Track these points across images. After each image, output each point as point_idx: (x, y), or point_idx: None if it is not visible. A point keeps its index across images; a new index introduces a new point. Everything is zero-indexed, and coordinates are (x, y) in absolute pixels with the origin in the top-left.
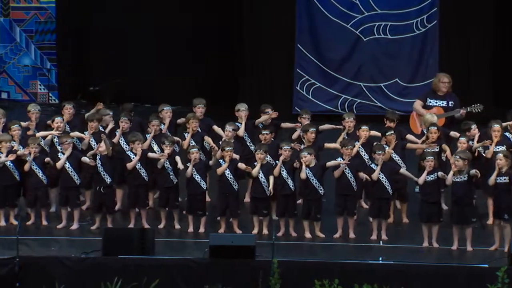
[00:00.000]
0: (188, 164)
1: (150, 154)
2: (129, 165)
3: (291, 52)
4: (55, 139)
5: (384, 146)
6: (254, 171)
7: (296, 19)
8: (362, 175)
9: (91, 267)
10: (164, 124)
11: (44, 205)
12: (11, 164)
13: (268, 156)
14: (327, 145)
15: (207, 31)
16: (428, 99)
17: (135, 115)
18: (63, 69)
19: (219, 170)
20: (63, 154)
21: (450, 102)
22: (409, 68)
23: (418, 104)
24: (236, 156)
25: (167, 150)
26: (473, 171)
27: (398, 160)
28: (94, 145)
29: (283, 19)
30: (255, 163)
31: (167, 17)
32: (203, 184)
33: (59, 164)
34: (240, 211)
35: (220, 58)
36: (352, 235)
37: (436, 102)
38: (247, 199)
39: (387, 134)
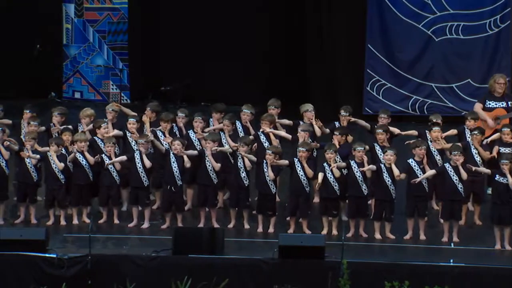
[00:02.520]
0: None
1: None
2: (186, 158)
3: (361, 52)
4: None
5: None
6: (320, 177)
7: (367, 19)
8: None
9: (161, 265)
10: (241, 123)
11: (116, 204)
12: (86, 164)
13: (338, 156)
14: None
15: (276, 30)
16: (487, 101)
17: (224, 115)
18: (134, 69)
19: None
20: (140, 153)
21: (509, 102)
22: (481, 69)
23: (478, 107)
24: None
25: (241, 150)
26: None
27: (479, 161)
28: (165, 144)
29: (354, 19)
30: (324, 164)
31: (237, 17)
32: (272, 185)
33: (147, 164)
34: (310, 211)
35: (290, 58)
36: (422, 236)
37: (496, 104)
38: (316, 199)
39: (473, 133)
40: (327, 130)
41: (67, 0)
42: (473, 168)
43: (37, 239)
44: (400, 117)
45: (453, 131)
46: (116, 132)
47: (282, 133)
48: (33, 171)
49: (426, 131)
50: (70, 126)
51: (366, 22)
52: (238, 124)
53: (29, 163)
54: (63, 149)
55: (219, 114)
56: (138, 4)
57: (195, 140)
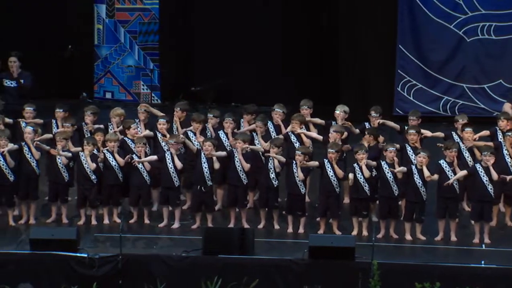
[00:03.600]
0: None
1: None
2: (215, 159)
3: (392, 52)
4: (160, 139)
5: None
6: (351, 176)
7: (398, 19)
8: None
9: (191, 266)
10: (273, 123)
11: (147, 204)
12: (116, 165)
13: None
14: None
15: (308, 30)
16: None
17: (256, 117)
18: (165, 70)
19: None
20: (171, 154)
21: None
22: None
23: (507, 107)
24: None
25: (272, 151)
26: None
27: (510, 163)
28: (197, 145)
29: (384, 19)
30: (355, 164)
31: (268, 18)
32: (302, 186)
33: (178, 165)
34: (340, 212)
35: (321, 59)
36: (453, 237)
37: None
38: (346, 200)
39: (506, 134)
40: (357, 131)
41: (98, 1)
42: (508, 178)
43: (68, 239)
44: (431, 118)
45: (486, 132)
46: (146, 132)
47: (313, 134)
48: (64, 171)
49: (453, 132)
50: (102, 126)
51: (397, 23)
52: (269, 124)
53: (60, 163)
54: (95, 149)
55: (250, 116)
56: (169, 5)
57: (225, 141)
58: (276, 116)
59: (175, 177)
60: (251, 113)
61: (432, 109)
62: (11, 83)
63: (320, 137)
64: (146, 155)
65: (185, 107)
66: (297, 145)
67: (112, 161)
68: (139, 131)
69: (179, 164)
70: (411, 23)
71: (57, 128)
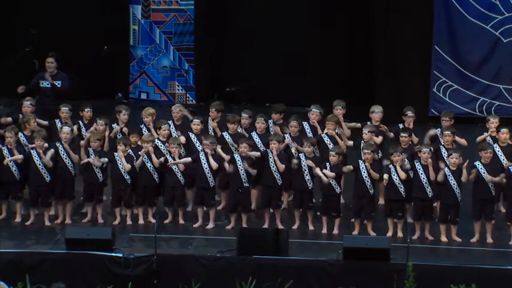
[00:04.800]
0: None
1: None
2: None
3: (428, 53)
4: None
5: None
6: (385, 176)
7: (433, 20)
8: (492, 179)
9: (226, 266)
10: (309, 123)
11: (181, 205)
12: (151, 166)
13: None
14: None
15: (342, 31)
16: None
17: (285, 116)
18: (200, 70)
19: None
20: (206, 154)
21: None
22: None
23: None
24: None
25: (306, 150)
26: None
27: None
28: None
29: (420, 19)
30: (390, 165)
31: (300, 18)
32: (336, 186)
33: (213, 165)
34: (374, 213)
35: (356, 59)
36: (489, 239)
37: None
38: (381, 201)
39: None
40: (391, 134)
41: (134, 2)
42: None
43: (103, 239)
44: (467, 119)
45: None
46: (181, 138)
47: (346, 140)
48: (98, 171)
49: (484, 133)
50: (141, 127)
51: (433, 24)
52: (306, 124)
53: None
54: (129, 149)
55: (279, 115)
56: (204, 6)
57: (258, 142)
58: (313, 117)
59: (210, 177)
60: (280, 112)
61: (468, 110)
62: (48, 84)
63: (351, 143)
64: (180, 156)
65: (220, 108)
66: (331, 146)
67: (148, 162)
68: (173, 132)
69: (214, 164)
70: (447, 23)
71: (85, 128)
